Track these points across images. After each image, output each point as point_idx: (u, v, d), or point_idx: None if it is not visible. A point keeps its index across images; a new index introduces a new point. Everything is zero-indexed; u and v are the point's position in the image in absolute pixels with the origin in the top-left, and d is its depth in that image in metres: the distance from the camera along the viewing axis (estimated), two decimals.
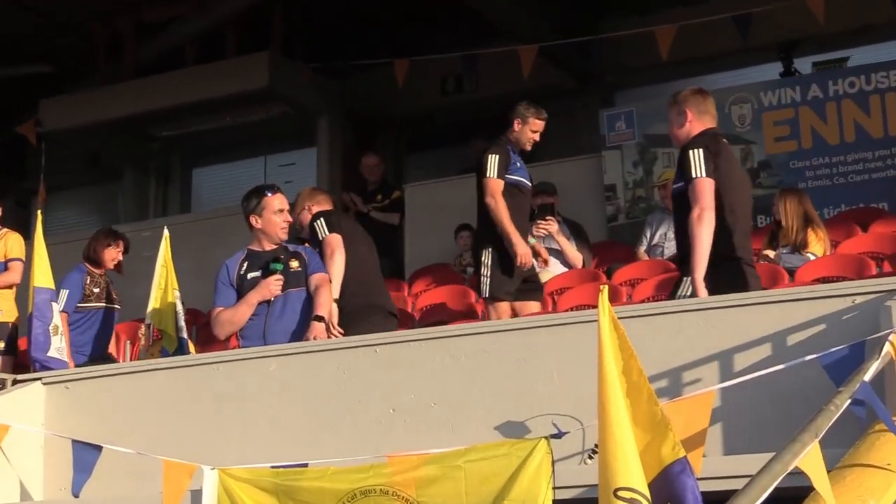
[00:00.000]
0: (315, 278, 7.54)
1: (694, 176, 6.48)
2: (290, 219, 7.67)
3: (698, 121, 6.80)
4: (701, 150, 6.53)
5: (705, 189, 6.45)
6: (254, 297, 7.41)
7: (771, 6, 11.74)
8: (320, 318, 7.31)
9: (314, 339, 7.14)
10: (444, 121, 15.64)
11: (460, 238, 11.68)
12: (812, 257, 8.90)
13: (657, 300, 8.47)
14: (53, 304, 8.08)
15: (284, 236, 7.64)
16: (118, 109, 14.92)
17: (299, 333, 7.33)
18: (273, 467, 5.73)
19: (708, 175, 6.47)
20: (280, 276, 7.43)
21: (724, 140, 6.84)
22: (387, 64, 13.42)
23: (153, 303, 8.69)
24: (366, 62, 14.08)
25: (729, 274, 6.49)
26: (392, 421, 6.24)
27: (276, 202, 7.60)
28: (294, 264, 7.53)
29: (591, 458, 5.45)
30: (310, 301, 7.48)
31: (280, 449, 6.38)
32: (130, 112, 14.90)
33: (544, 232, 10.12)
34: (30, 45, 15.33)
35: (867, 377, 4.52)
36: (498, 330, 6.33)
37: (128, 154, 16.81)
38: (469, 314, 9.49)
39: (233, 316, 7.39)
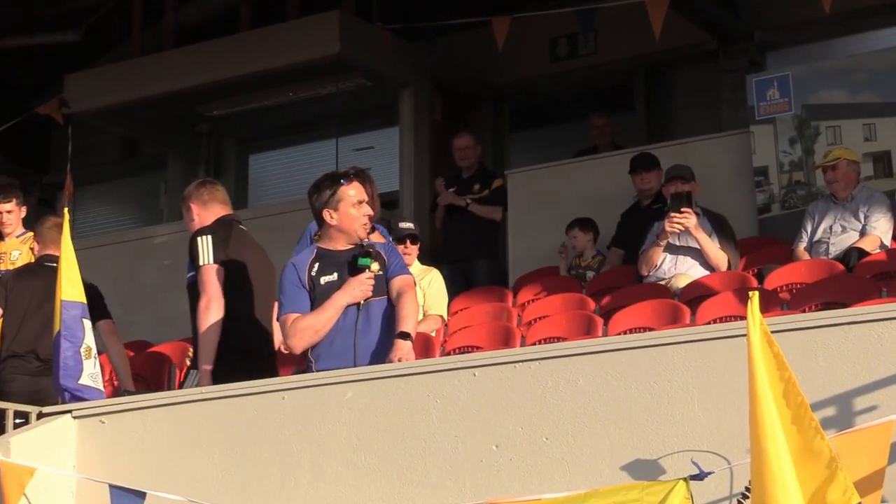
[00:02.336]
0: (398, 282, 7.53)
1: (201, 263, 7.91)
2: (372, 212, 7.68)
3: (206, 212, 8.21)
4: (209, 237, 7.95)
5: (211, 277, 7.89)
6: (342, 299, 7.40)
7: None
8: (406, 336, 7.31)
9: (399, 360, 7.15)
10: (554, 92, 15.64)
11: (574, 236, 11.68)
12: None
13: (821, 308, 8.42)
14: (85, 320, 8.22)
15: (364, 234, 7.65)
16: (158, 85, 15.13)
17: (380, 353, 7.34)
18: None
19: (215, 262, 7.91)
20: (372, 274, 7.44)
21: (241, 226, 8.31)
22: (484, 24, 13.45)
23: None
24: (458, 21, 14.12)
25: (245, 365, 7.77)
26: (496, 459, 6.26)
27: (354, 192, 7.61)
28: (375, 266, 7.55)
29: (741, 503, 5.44)
30: (392, 312, 7.49)
31: (359, 495, 6.43)
32: (173, 88, 15.10)
33: (679, 228, 10.09)
34: (51, 10, 15.60)
35: None
36: (625, 347, 6.33)
37: (171, 139, 17.03)
38: (588, 329, 9.49)
39: (316, 322, 7.39)
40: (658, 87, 15.13)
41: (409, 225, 10.29)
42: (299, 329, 7.41)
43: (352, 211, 7.56)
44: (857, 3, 12.92)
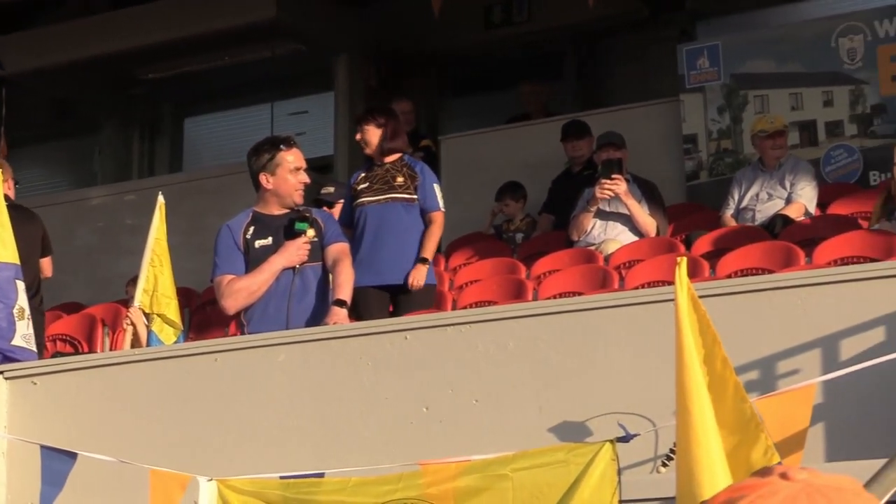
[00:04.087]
0: (333, 250, 7.53)
1: None
2: (308, 179, 7.67)
3: None
4: None
5: None
6: (278, 262, 7.39)
7: None
8: (342, 303, 7.30)
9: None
10: (488, 59, 15.62)
11: (506, 203, 11.68)
12: None
13: (747, 274, 8.47)
14: (18, 282, 8.14)
15: (300, 200, 7.63)
16: (94, 47, 14.99)
17: (315, 319, 7.33)
18: (282, 478, 5.76)
19: None
20: (309, 239, 7.43)
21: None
22: None
23: (144, 283, 8.73)
24: None
25: None
26: (426, 421, 6.27)
27: (293, 158, 7.59)
28: (311, 232, 7.53)
29: (665, 465, 5.47)
30: (326, 279, 7.49)
31: (291, 456, 6.42)
32: (108, 50, 14.96)
33: (610, 193, 10.11)
34: None
35: None
36: (554, 311, 6.35)
37: (106, 101, 16.88)
38: (519, 293, 9.51)
39: (251, 284, 7.38)
40: (590, 55, 15.14)
41: (330, 190, 10.25)
42: (234, 290, 7.40)
43: (289, 177, 7.54)
44: None
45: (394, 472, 5.53)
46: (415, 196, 9.19)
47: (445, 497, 5.26)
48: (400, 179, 9.23)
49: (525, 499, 5.14)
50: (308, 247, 7.43)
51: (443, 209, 9.22)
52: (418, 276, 8.96)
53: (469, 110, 15.51)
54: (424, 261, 9.05)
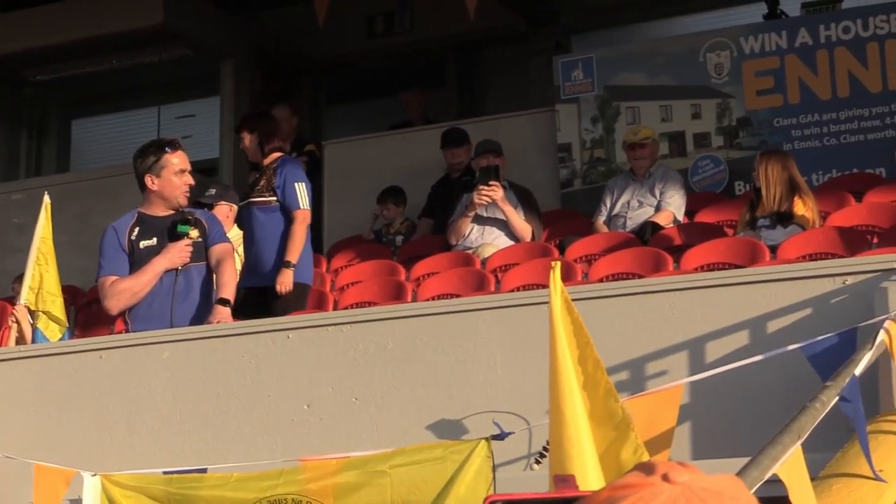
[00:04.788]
0: (217, 251, 7.50)
1: None
2: (192, 181, 7.62)
3: None
4: None
5: None
6: (160, 264, 7.36)
7: None
8: (225, 302, 7.27)
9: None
10: (370, 67, 15.60)
11: (386, 207, 11.67)
12: (797, 230, 8.99)
13: (618, 279, 8.53)
14: None
15: (185, 201, 7.59)
16: None
17: (199, 318, 7.29)
18: (165, 473, 5.71)
19: None
20: (191, 241, 7.39)
21: None
22: (305, 0, 13.35)
23: (30, 280, 8.60)
24: None
25: None
26: (307, 419, 6.24)
27: (177, 161, 7.54)
28: (194, 233, 7.49)
29: (538, 462, 5.49)
30: (210, 278, 7.45)
31: (174, 452, 6.36)
32: None
33: (487, 199, 10.14)
34: None
35: (858, 370, 4.57)
36: (432, 312, 6.35)
37: None
38: (398, 294, 9.50)
39: (134, 285, 7.33)
40: (470, 65, 15.18)
41: (212, 192, 10.17)
42: (117, 291, 7.34)
43: (173, 178, 7.50)
44: None
45: (275, 468, 5.50)
46: (271, 198, 9.09)
47: (324, 493, 5.24)
48: (262, 182, 9.17)
49: (402, 494, 5.14)
50: (190, 249, 7.39)
51: (305, 207, 9.04)
52: (284, 282, 8.79)
53: (352, 116, 15.47)
54: (288, 264, 8.85)
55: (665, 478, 1.81)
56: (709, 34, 12.11)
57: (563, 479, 3.21)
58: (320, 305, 9.49)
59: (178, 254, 7.37)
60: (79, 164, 16.56)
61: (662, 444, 4.85)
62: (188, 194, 7.61)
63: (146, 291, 7.33)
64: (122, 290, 7.35)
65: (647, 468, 1.84)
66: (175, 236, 7.43)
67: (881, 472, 4.31)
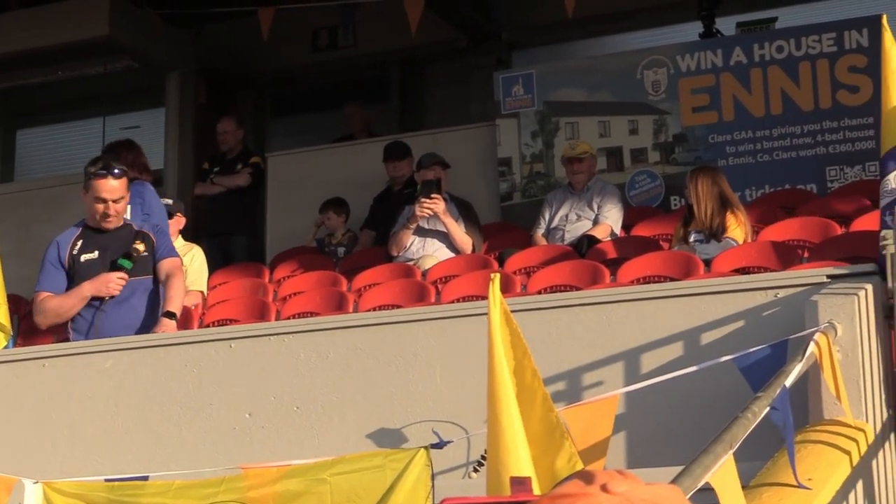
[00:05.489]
0: (165, 265, 7.47)
1: None
2: (118, 210, 7.51)
3: None
4: None
5: None
6: (87, 290, 7.38)
7: None
8: (171, 315, 7.25)
9: None
10: (314, 81, 15.58)
11: (328, 217, 11.65)
12: (731, 244, 9.05)
13: (556, 291, 8.56)
14: None
15: (107, 226, 7.53)
16: None
17: (145, 330, 7.28)
18: (107, 480, 5.67)
19: None
20: (125, 276, 7.37)
21: None
22: (250, 13, 13.32)
23: None
24: (225, 10, 13.96)
25: None
26: (248, 427, 6.22)
27: (99, 188, 7.45)
28: (140, 247, 7.45)
29: (476, 470, 5.49)
30: (157, 291, 7.42)
31: (116, 459, 6.32)
32: None
33: (429, 212, 10.15)
34: None
35: (788, 382, 4.61)
36: (373, 323, 6.35)
37: None
38: (340, 305, 9.49)
39: (60, 306, 7.33)
40: (413, 80, 15.19)
41: (169, 201, 10.11)
42: (45, 309, 7.41)
43: (92, 203, 7.50)
44: (597, 9, 13.16)
45: (216, 475, 5.47)
46: None
47: (265, 500, 5.23)
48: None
49: (342, 502, 5.13)
50: (122, 284, 7.38)
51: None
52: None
53: (296, 129, 15.44)
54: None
55: (604, 488, 1.80)
56: (646, 52, 12.18)
57: (520, 482, 3.21)
58: (263, 315, 9.47)
59: (106, 285, 7.38)
60: (23, 174, 16.43)
61: (598, 453, 4.87)
62: (111, 221, 7.51)
63: (72, 314, 7.41)
64: (49, 310, 7.42)
65: (586, 477, 1.83)
66: (115, 267, 7.42)
67: (810, 480, 4.35)
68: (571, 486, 1.82)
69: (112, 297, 7.37)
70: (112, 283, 7.35)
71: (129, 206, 7.79)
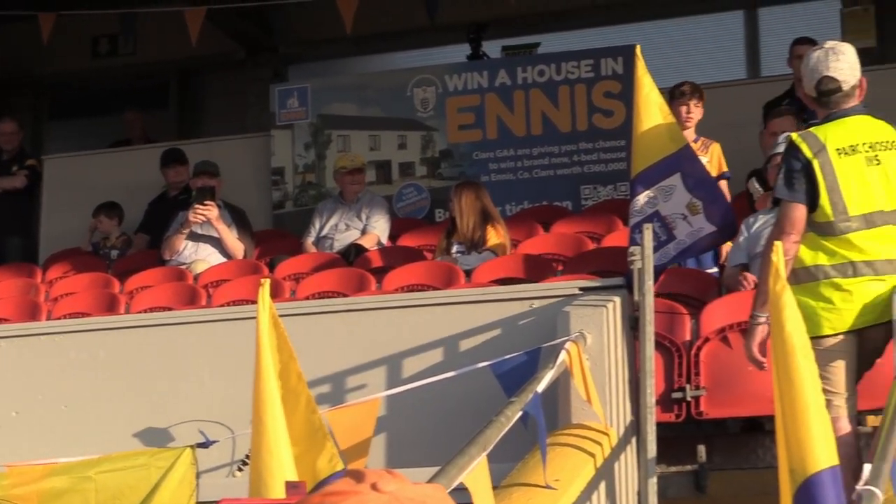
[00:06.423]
0: None
1: None
2: None
3: None
4: None
5: None
6: None
7: None
8: None
9: None
10: (93, 87, 15.26)
11: (100, 220, 11.39)
12: (491, 256, 9.16)
13: (324, 297, 8.54)
14: None
15: None
16: None
17: None
18: None
19: None
20: None
21: None
22: (30, 17, 12.97)
23: None
24: (5, 13, 13.57)
25: None
26: (14, 425, 6.04)
27: None
28: None
29: (240, 469, 5.44)
30: None
31: None
32: None
33: (202, 218, 10.04)
34: None
35: (541, 387, 4.67)
36: (144, 325, 6.24)
37: None
38: (112, 306, 9.29)
39: None
40: (191, 89, 15.00)
41: None
42: None
43: None
44: (371, 28, 13.19)
45: None
46: None
47: (29, 498, 5.08)
48: None
49: (107, 500, 5.02)
50: None
51: None
52: None
53: (75, 133, 15.09)
54: None
55: (374, 486, 1.81)
56: (416, 71, 12.25)
57: (294, 486, 3.19)
58: (34, 315, 9.22)
59: None
60: None
61: (360, 453, 4.86)
62: None
63: None
64: None
65: (356, 476, 1.84)
66: None
67: (557, 481, 4.41)
68: (342, 485, 1.82)
69: None
70: None
71: None
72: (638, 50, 7.21)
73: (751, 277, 7.19)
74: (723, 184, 8.91)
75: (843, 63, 5.62)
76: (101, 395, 6.02)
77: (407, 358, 5.78)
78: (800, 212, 5.46)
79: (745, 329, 5.90)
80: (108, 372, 6.06)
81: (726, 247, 7.94)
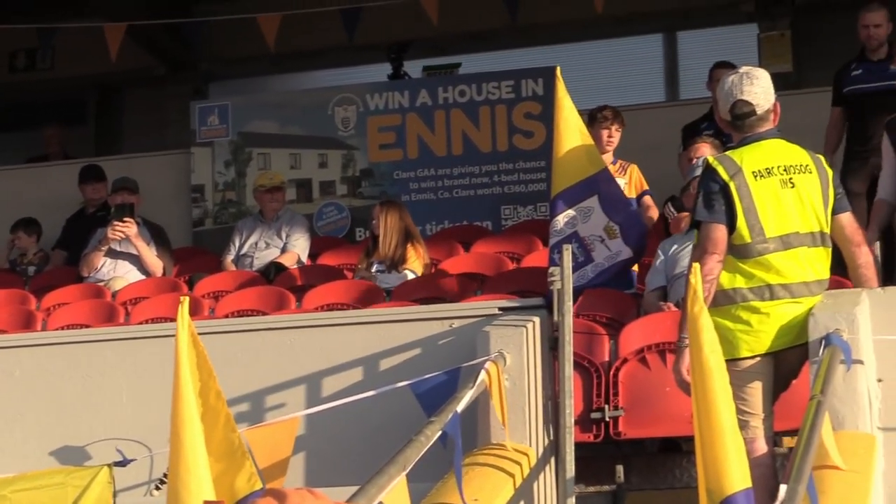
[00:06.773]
0: None
1: None
2: None
3: None
4: None
5: None
6: None
7: (382, 2, 12.03)
8: None
9: None
10: (10, 101, 15.09)
11: (18, 236, 11.25)
12: (410, 275, 9.16)
13: (243, 315, 8.50)
14: None
15: None
16: None
17: None
18: None
19: None
20: None
21: None
22: None
23: None
24: None
25: None
26: None
27: None
28: None
29: (158, 488, 5.39)
30: None
31: None
32: None
33: (121, 235, 9.97)
34: None
35: (460, 407, 4.68)
36: (61, 342, 6.18)
37: None
38: (28, 323, 9.18)
39: None
40: (110, 105, 14.88)
41: None
42: None
43: None
44: (291, 47, 13.16)
45: None
46: None
47: None
48: None
49: None
50: None
51: None
52: None
53: None
54: None
55: None
56: (337, 89, 12.25)
57: None
58: None
59: None
60: None
61: (279, 472, 4.85)
62: None
63: None
64: None
65: (278, 495, 1.84)
66: None
67: (476, 500, 4.42)
68: (264, 503, 1.82)
69: None
70: None
71: None
72: (558, 71, 7.26)
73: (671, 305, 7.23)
74: (647, 199, 9.01)
75: (758, 87, 5.70)
76: (16, 412, 5.95)
77: (327, 377, 5.77)
78: (721, 232, 5.52)
79: (664, 350, 5.95)
80: (24, 389, 5.99)
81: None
